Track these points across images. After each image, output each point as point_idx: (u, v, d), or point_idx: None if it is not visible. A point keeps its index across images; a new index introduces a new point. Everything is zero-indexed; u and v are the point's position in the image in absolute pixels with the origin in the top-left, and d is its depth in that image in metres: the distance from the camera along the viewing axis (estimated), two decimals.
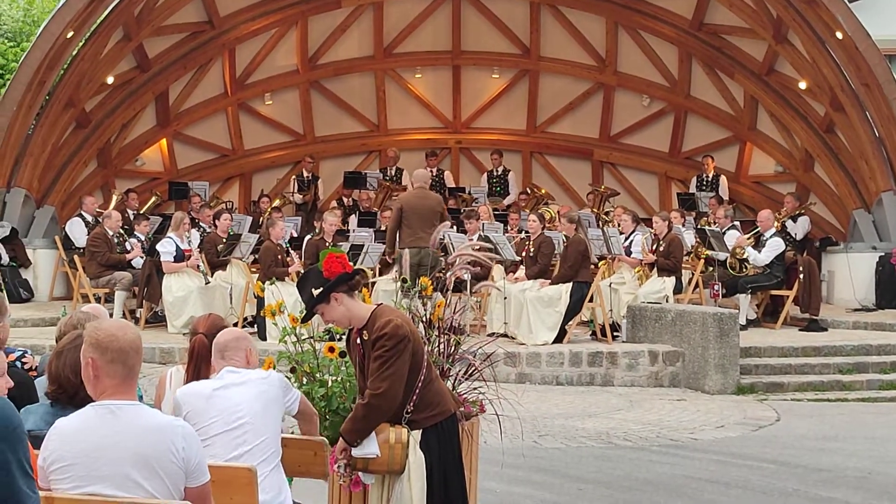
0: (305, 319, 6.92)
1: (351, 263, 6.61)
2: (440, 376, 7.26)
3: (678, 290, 17.97)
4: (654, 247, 18.26)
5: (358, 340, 6.53)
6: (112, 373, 4.86)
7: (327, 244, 17.38)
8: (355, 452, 6.38)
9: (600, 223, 20.76)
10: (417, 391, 6.43)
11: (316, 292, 6.40)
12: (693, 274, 18.67)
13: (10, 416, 3.04)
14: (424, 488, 6.39)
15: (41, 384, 6.08)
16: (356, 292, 6.57)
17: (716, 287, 18.21)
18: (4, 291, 18.89)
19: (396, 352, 6.29)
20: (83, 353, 4.93)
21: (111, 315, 15.44)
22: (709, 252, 18.76)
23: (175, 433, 4.86)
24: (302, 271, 16.67)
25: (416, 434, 6.44)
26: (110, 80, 22.44)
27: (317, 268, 6.58)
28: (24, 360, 7.35)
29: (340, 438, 6.45)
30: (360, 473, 6.54)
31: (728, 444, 12.36)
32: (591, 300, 16.99)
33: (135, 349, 4.91)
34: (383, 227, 19.30)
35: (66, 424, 4.92)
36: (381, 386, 6.29)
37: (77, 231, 20.30)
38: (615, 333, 17.23)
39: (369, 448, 6.34)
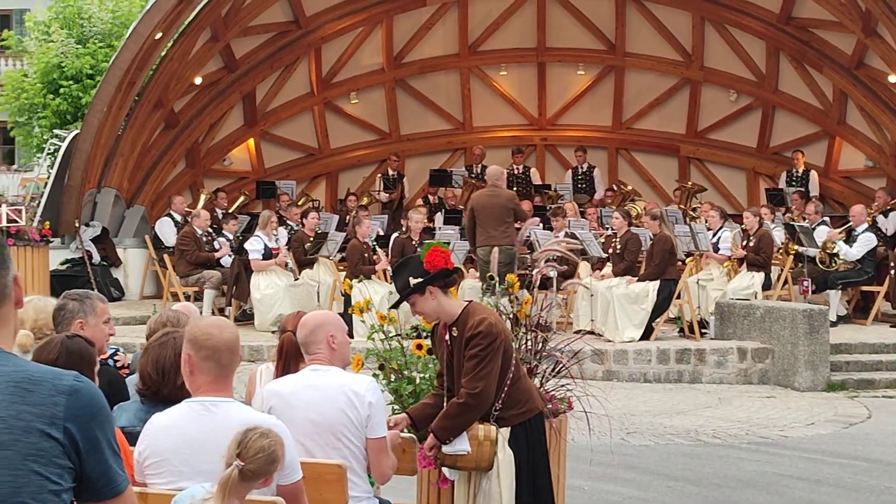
0: (395, 306, 6.94)
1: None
2: (528, 374, 7.27)
3: (767, 286, 17.81)
4: (744, 242, 18.10)
5: (446, 336, 6.54)
6: (206, 369, 4.95)
7: (414, 242, 17.45)
8: (446, 449, 6.39)
9: (687, 219, 20.61)
10: (506, 389, 6.44)
11: (413, 282, 6.40)
12: (782, 270, 18.50)
13: (97, 397, 3.14)
14: (513, 485, 6.40)
15: (133, 382, 6.17)
16: (449, 289, 6.59)
17: (805, 283, 18.02)
18: (96, 290, 19.16)
19: (491, 351, 6.30)
20: (183, 349, 5.03)
21: (201, 313, 15.63)
22: (798, 248, 18.57)
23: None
24: (388, 269, 16.79)
25: (505, 431, 6.45)
26: (198, 80, 22.70)
27: (417, 257, 6.60)
28: (116, 357, 7.46)
29: (431, 435, 6.47)
30: (444, 469, 6.56)
31: (818, 441, 12.24)
32: (678, 297, 16.91)
33: (230, 348, 4.98)
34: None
35: (161, 420, 5.02)
36: (478, 385, 6.31)
37: (166, 230, 20.52)
38: (703, 330, 17.13)
39: (460, 445, 6.36)
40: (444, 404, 6.56)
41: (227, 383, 5.06)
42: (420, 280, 6.41)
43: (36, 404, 3.05)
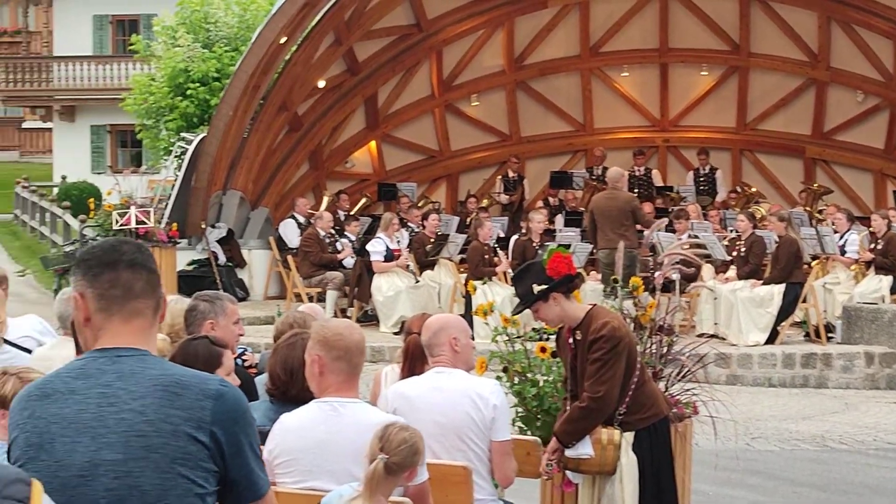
0: (517, 312, 6.94)
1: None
2: (653, 377, 7.22)
3: (895, 290, 17.47)
4: (872, 245, 17.80)
5: (570, 340, 6.53)
6: (336, 370, 5.01)
7: (534, 244, 17.44)
8: (569, 453, 6.38)
9: (813, 222, 20.32)
10: (630, 393, 6.41)
11: (537, 288, 6.40)
12: None
13: (241, 402, 3.21)
14: (637, 490, 6.37)
15: (261, 382, 6.25)
16: (572, 294, 6.58)
17: None
18: (222, 291, 19.43)
19: (614, 354, 6.27)
20: (308, 350, 5.09)
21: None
22: None
23: None
24: (509, 271, 16.81)
25: (629, 436, 6.42)
26: (321, 83, 22.93)
27: (540, 263, 6.59)
28: (244, 357, 7.56)
29: (553, 438, 6.46)
30: (568, 473, 6.55)
31: None
32: (804, 301, 16.68)
33: (359, 349, 5.09)
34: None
35: (290, 420, 5.09)
36: (600, 389, 6.29)
37: (290, 232, 20.75)
38: (829, 335, 16.88)
39: (583, 449, 6.34)
40: (568, 408, 6.55)
41: (354, 384, 5.13)
42: (544, 287, 6.40)
43: (184, 408, 3.11)
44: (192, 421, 3.10)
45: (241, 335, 6.72)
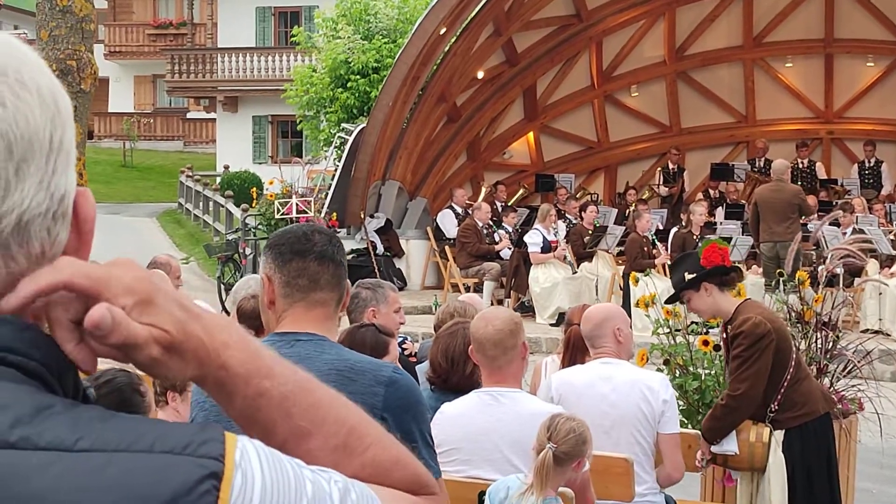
0: (670, 301, 6.90)
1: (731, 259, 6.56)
2: (818, 373, 7.12)
3: None
4: None
5: (724, 335, 6.48)
6: (480, 361, 5.16)
7: (695, 237, 17.28)
8: (714, 449, 6.34)
9: None
10: (783, 390, 6.32)
11: (688, 277, 6.37)
12: None
13: (414, 390, 3.27)
14: (786, 489, 6.27)
15: (422, 370, 6.32)
16: (728, 288, 6.51)
17: None
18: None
19: (756, 350, 6.18)
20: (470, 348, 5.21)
21: None
22: None
23: None
24: (668, 263, 16.68)
25: (779, 434, 6.33)
26: (480, 74, 23.01)
27: (696, 254, 6.56)
28: (404, 345, 7.65)
29: (700, 434, 6.42)
30: (729, 469, 6.51)
31: None
32: None
33: (493, 341, 5.09)
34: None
35: (451, 409, 5.16)
36: (740, 387, 6.22)
37: (448, 222, 20.87)
38: None
39: (728, 446, 6.28)
40: None
41: (504, 374, 5.16)
42: (694, 276, 6.35)
43: (358, 393, 3.15)
44: (365, 406, 3.07)
45: (402, 323, 6.78)
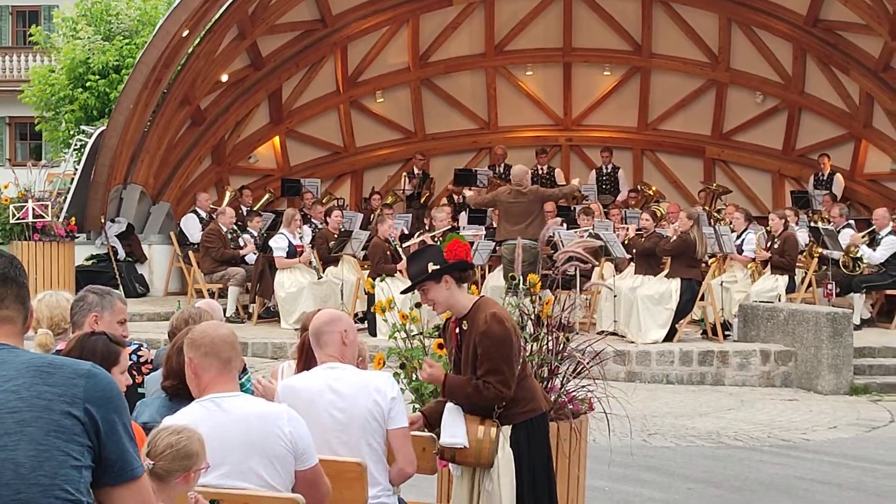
0: (408, 290, 6.91)
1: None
2: (550, 374, 7.27)
3: (791, 289, 17.75)
4: (769, 244, 18.07)
5: (456, 330, 6.52)
6: (208, 366, 5.13)
7: (437, 241, 17.44)
8: (443, 441, 6.35)
9: (712, 221, 20.55)
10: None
11: (431, 267, 6.39)
12: (806, 273, 18.42)
13: (112, 384, 3.34)
14: (513, 483, 6.35)
15: (156, 379, 6.20)
16: (464, 284, 6.57)
17: (829, 286, 17.98)
18: (121, 286, 19.25)
19: (507, 340, 6.26)
20: (185, 355, 5.18)
21: (224, 310, 15.70)
22: (822, 251, 18.51)
23: (280, 417, 5.10)
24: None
25: (506, 430, 6.41)
26: (224, 77, 22.78)
27: (439, 246, 6.60)
28: (139, 353, 7.46)
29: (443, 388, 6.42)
30: (451, 465, 6.55)
31: (841, 444, 12.21)
32: (702, 298, 16.87)
33: (227, 342, 5.17)
34: (494, 224, 19.31)
35: (175, 420, 5.07)
36: (502, 389, 6.26)
37: (191, 227, 20.58)
38: (726, 332, 17.10)
39: (458, 439, 6.32)
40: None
41: (231, 377, 5.20)
42: (438, 267, 6.39)
43: (57, 385, 3.20)
44: (66, 397, 3.19)
45: (125, 336, 6.60)
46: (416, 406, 7.26)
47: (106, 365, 5.13)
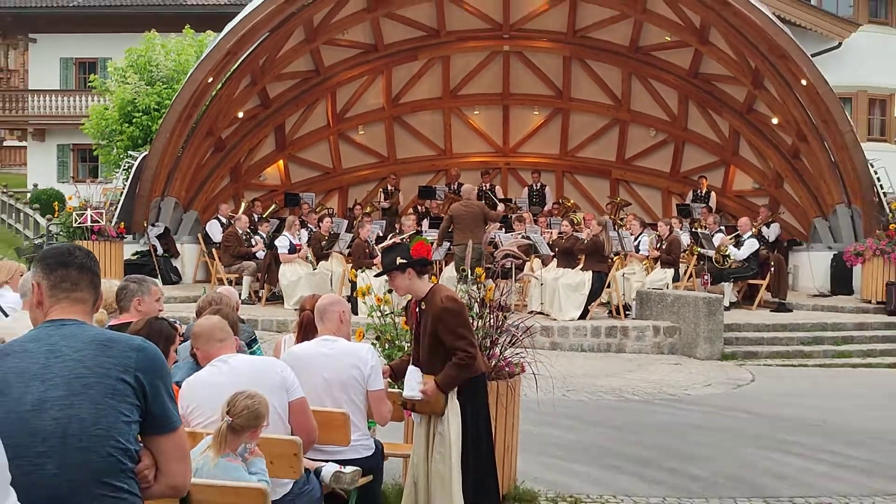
0: (379, 275, 6.88)
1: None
2: (490, 345, 7.26)
3: (676, 279, 17.85)
4: (658, 245, 18.14)
5: (417, 310, 6.50)
6: (208, 348, 5.37)
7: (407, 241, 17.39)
8: (405, 394, 6.32)
9: (616, 227, 20.60)
10: None
11: (399, 261, 6.37)
12: (688, 267, 18.51)
13: (159, 355, 3.40)
14: (460, 426, 6.33)
15: (186, 347, 6.16)
16: (424, 276, 6.55)
17: (705, 277, 18.09)
18: (159, 276, 19.12)
19: (465, 318, 6.26)
20: (192, 346, 5.47)
21: (240, 294, 15.59)
22: (700, 249, 18.62)
23: (275, 363, 5.28)
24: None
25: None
26: (241, 114, 22.61)
27: (407, 244, 6.59)
28: (174, 327, 7.39)
29: (435, 385, 6.36)
30: (413, 414, 6.54)
31: (713, 399, 12.27)
32: (608, 286, 16.91)
33: (218, 328, 5.38)
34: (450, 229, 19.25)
35: (194, 378, 5.19)
36: (470, 350, 6.22)
37: (214, 230, 20.45)
38: (627, 312, 17.15)
39: (416, 392, 6.30)
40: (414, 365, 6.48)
41: (229, 347, 5.36)
42: (404, 261, 6.38)
43: (114, 356, 3.21)
44: (121, 366, 3.20)
45: (161, 311, 6.55)
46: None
47: (168, 343, 5.16)
